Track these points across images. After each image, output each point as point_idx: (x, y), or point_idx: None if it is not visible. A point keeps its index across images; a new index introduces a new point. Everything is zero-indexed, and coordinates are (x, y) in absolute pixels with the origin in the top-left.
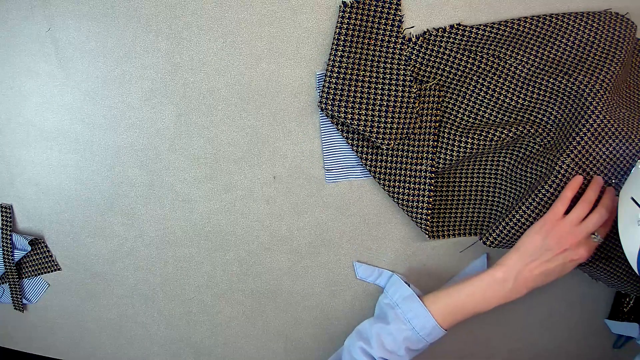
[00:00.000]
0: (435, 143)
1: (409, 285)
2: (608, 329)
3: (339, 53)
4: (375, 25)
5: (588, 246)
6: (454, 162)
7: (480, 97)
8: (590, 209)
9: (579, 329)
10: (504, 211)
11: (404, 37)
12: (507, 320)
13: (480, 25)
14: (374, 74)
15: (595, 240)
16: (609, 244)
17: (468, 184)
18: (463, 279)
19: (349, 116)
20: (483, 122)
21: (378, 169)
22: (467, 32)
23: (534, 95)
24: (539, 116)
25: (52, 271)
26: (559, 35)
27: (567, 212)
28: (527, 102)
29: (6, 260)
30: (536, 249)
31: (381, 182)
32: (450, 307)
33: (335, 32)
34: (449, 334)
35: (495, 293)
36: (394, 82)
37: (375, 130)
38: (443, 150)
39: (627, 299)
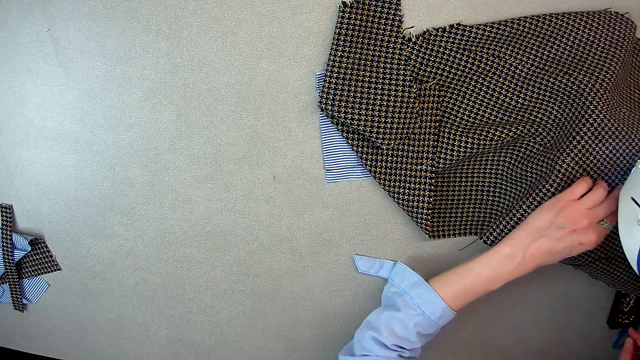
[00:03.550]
0: (435, 143)
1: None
2: (608, 329)
3: (339, 53)
4: (375, 25)
5: (598, 232)
6: (454, 162)
7: (480, 97)
8: (605, 196)
9: (579, 329)
10: (504, 211)
11: (403, 37)
12: (506, 319)
13: (480, 25)
14: (374, 74)
15: (605, 226)
16: (608, 244)
17: (468, 184)
18: (470, 258)
19: (349, 116)
20: (483, 122)
21: (378, 169)
22: (467, 32)
23: (534, 95)
24: (539, 115)
25: (52, 271)
26: (559, 34)
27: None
28: (527, 101)
29: (6, 260)
30: (546, 225)
31: (381, 182)
32: (459, 288)
33: (335, 32)
34: (450, 333)
35: (504, 269)
36: (394, 82)
37: (375, 130)
38: (443, 150)
39: (627, 299)
